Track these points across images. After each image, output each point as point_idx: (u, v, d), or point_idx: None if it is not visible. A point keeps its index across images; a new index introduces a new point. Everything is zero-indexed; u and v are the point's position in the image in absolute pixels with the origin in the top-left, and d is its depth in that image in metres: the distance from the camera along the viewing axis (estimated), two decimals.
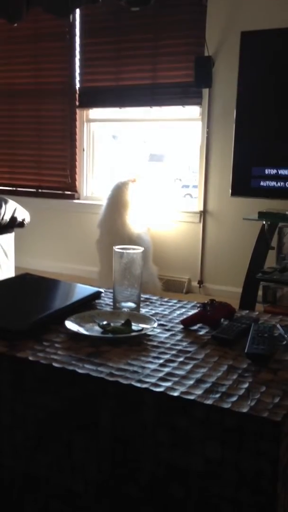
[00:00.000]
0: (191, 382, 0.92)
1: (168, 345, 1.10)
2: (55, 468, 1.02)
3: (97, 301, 1.39)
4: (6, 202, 3.04)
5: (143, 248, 1.31)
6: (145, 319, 1.21)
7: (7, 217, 3.03)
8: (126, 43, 3.78)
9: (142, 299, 1.37)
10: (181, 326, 1.22)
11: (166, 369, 0.98)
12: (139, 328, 1.15)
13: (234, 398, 0.86)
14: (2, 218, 3.00)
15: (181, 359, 1.03)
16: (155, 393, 0.89)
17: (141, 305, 1.32)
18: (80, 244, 4.10)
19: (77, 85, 4.06)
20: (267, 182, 2.84)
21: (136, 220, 3.53)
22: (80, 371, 0.96)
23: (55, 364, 0.99)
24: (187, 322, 1.22)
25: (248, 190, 2.91)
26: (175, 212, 3.76)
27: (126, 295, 1.28)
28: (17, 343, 1.09)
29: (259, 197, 2.94)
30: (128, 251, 1.28)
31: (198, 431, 0.86)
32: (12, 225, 3.11)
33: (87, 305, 1.33)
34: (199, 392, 0.89)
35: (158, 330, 1.19)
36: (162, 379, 0.93)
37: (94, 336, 1.12)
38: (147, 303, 1.40)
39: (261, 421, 0.81)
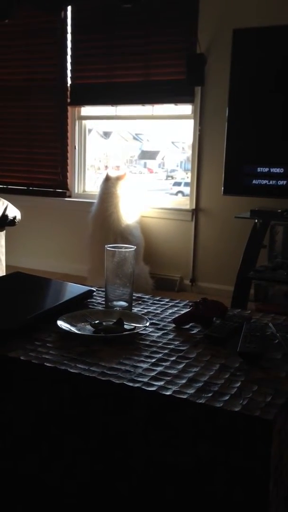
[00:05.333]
0: (184, 381, 0.92)
1: (160, 344, 1.09)
2: (46, 468, 1.01)
3: (89, 300, 1.38)
4: None
5: (135, 247, 1.31)
6: (137, 318, 1.21)
7: None
8: (118, 40, 3.77)
9: (134, 297, 1.36)
10: (173, 325, 1.21)
11: (159, 368, 0.97)
12: (131, 327, 1.15)
13: (226, 397, 0.86)
14: None
15: (173, 358, 1.02)
16: (147, 392, 0.89)
17: (133, 304, 1.32)
18: (71, 242, 4.09)
19: (69, 82, 4.04)
20: (259, 180, 2.84)
21: (128, 215, 3.54)
22: (72, 370, 0.96)
23: (46, 364, 0.98)
24: (179, 321, 1.21)
25: (240, 188, 2.91)
26: (167, 209, 3.76)
27: (118, 294, 1.28)
28: (8, 342, 1.08)
29: (251, 196, 2.94)
30: (120, 249, 1.28)
31: (190, 430, 0.86)
32: (3, 223, 3.09)
33: (79, 304, 1.32)
34: (191, 391, 0.88)
35: (150, 329, 1.18)
36: (154, 378, 0.93)
37: (86, 335, 1.12)
38: (139, 302, 1.40)
39: (253, 420, 0.81)
